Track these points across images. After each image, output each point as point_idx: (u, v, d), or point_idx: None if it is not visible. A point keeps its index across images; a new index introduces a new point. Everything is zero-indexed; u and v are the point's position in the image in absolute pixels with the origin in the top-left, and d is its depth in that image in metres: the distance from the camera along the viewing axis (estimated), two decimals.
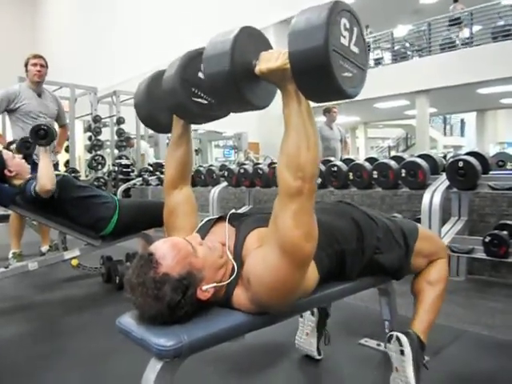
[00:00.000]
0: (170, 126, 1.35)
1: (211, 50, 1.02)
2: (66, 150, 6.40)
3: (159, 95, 1.27)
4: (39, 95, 3.66)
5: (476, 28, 9.44)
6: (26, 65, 3.60)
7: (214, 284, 1.07)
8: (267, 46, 1.07)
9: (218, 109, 1.19)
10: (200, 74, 1.20)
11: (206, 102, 1.22)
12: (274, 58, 0.97)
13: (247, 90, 1.01)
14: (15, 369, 1.80)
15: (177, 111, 1.27)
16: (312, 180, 0.99)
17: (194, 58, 1.20)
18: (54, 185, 2.40)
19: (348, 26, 0.93)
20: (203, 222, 1.29)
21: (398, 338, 1.39)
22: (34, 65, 3.56)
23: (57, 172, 2.72)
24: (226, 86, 1.00)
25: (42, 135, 2.46)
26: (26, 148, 2.82)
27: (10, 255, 3.31)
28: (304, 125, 0.98)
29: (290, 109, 0.99)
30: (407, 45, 10.56)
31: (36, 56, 3.59)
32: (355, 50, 0.96)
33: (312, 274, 1.15)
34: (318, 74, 0.88)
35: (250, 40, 1.03)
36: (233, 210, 1.30)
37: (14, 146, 2.92)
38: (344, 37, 0.92)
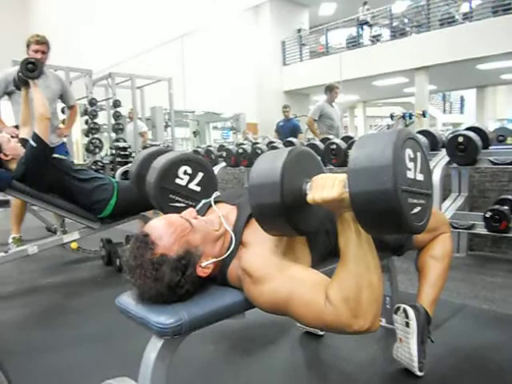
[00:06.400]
0: None
1: (258, 177, 0.96)
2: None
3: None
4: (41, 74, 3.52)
5: (476, 2, 9.28)
6: (28, 46, 3.41)
7: (213, 259, 1.06)
8: (316, 164, 1.01)
9: (265, 230, 1.04)
10: (177, 181, 1.30)
11: (183, 205, 1.30)
12: (328, 186, 0.89)
13: (297, 217, 0.95)
14: (19, 349, 1.80)
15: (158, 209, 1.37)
16: (376, 321, 0.91)
17: (172, 166, 1.29)
18: (50, 113, 2.58)
19: (412, 155, 0.85)
20: (200, 204, 1.28)
21: (404, 311, 1.40)
22: (36, 51, 3.38)
23: (56, 155, 2.69)
24: (275, 215, 0.93)
25: (30, 68, 2.56)
26: (23, 83, 2.74)
27: (10, 240, 3.31)
28: (365, 259, 0.90)
29: (348, 238, 0.92)
30: (406, 21, 10.39)
31: (38, 42, 3.39)
32: (420, 177, 0.88)
33: (304, 257, 1.12)
34: (386, 218, 0.81)
35: (298, 162, 0.96)
36: (217, 193, 1.29)
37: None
38: (409, 169, 0.84)
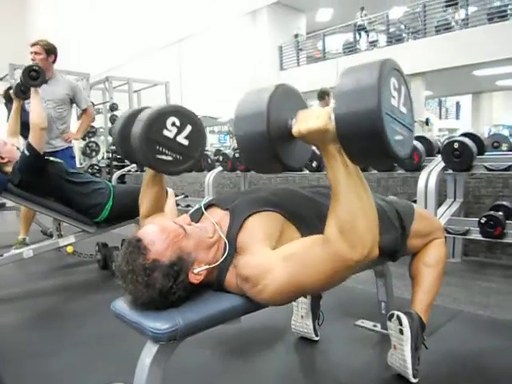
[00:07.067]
0: None
1: (244, 109, 0.97)
2: None
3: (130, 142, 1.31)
4: (45, 81, 3.48)
5: (472, 9, 9.34)
6: None
7: (206, 266, 1.05)
8: (302, 103, 1.03)
9: (249, 166, 1.09)
10: (165, 132, 1.24)
11: (171, 158, 1.26)
12: (313, 118, 0.89)
13: (283, 151, 0.96)
14: (14, 353, 1.80)
15: (144, 164, 1.32)
16: (375, 248, 0.92)
17: (160, 117, 1.24)
18: (46, 124, 2.54)
19: (397, 85, 0.88)
20: (192, 210, 1.28)
21: (398, 318, 1.40)
22: (31, 53, 3.36)
23: (51, 158, 2.69)
24: (260, 147, 0.94)
25: (33, 76, 2.54)
26: (23, 93, 2.78)
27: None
28: (355, 188, 0.91)
29: (336, 171, 0.91)
30: (402, 27, 10.45)
31: (32, 44, 3.37)
32: (404, 110, 0.90)
33: None
34: (370, 139, 0.81)
35: (285, 98, 0.98)
36: (209, 197, 1.29)
37: (12, 91, 2.90)
38: (394, 97, 0.87)
